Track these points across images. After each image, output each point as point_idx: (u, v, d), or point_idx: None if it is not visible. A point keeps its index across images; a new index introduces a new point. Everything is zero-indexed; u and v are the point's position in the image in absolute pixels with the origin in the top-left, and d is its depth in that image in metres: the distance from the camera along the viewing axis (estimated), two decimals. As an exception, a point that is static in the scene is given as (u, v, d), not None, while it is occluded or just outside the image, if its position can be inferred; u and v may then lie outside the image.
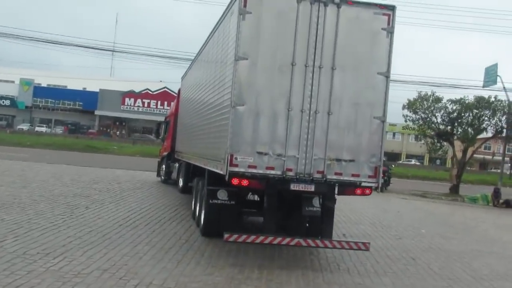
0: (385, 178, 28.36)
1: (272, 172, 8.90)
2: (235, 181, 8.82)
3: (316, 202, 9.78)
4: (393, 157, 79.87)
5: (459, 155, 32.13)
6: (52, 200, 14.03)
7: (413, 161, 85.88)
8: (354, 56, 9.12)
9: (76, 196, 15.14)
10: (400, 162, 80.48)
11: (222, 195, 10.37)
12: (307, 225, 10.72)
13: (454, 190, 31.26)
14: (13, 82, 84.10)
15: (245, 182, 8.86)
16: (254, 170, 8.83)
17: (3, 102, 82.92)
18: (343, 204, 17.34)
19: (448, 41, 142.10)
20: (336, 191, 9.38)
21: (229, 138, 8.75)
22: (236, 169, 8.77)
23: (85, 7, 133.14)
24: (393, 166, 34.00)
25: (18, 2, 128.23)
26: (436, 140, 32.96)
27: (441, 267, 10.28)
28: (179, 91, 19.81)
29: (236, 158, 8.76)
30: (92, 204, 13.95)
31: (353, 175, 9.16)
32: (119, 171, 25.28)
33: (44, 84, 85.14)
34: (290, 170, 8.90)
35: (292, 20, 8.84)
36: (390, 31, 9.14)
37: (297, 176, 8.93)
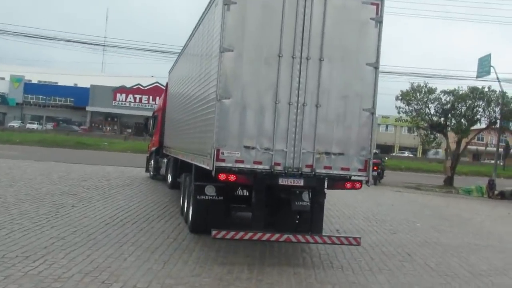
0: (379, 171, 28.13)
1: (260, 166, 8.67)
2: (222, 177, 8.59)
3: (306, 196, 9.49)
4: (386, 149, 79.75)
5: (452, 146, 31.93)
6: (38, 199, 13.66)
7: (406, 153, 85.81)
8: (342, 46, 8.89)
9: (63, 195, 14.77)
10: (393, 154, 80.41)
11: (210, 190, 10.08)
12: (297, 220, 10.42)
13: (448, 182, 31.06)
14: (3, 79, 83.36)
15: (232, 177, 8.62)
16: (241, 165, 8.60)
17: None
18: (336, 199, 17.13)
19: (440, 31, 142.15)
20: (325, 185, 9.16)
21: (215, 132, 8.50)
22: (223, 164, 8.53)
23: (75, 3, 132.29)
24: (386, 158, 33.73)
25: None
26: (429, 132, 32.75)
27: (438, 262, 9.99)
28: (166, 85, 19.59)
29: (222, 153, 8.52)
30: (79, 202, 13.58)
31: (342, 169, 8.96)
32: (109, 168, 24.89)
33: (34, 81, 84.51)
34: (278, 164, 8.68)
35: (278, 10, 8.58)
36: (378, 21, 8.92)
37: (286, 171, 8.71)
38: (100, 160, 29.45)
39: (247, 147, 8.60)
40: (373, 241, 11.43)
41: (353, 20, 8.91)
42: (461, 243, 12.40)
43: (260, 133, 8.65)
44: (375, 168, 27.37)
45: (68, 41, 51.28)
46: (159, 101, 22.16)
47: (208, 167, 8.83)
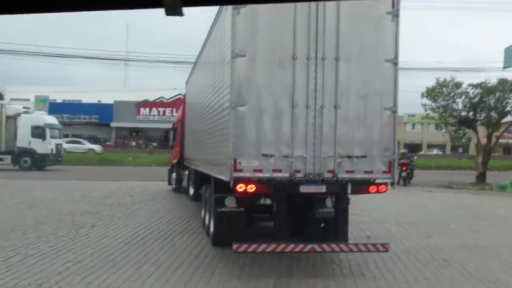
0: (408, 171, 27.29)
1: (280, 174, 8.34)
2: (240, 187, 8.25)
3: (329, 203, 9.08)
4: (414, 148, 78.36)
5: (483, 141, 30.95)
6: (58, 220, 13.35)
7: (435, 151, 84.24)
8: (359, 44, 8.53)
9: (84, 214, 14.44)
10: (422, 153, 78.96)
11: (230, 202, 9.64)
12: (322, 228, 9.93)
13: (481, 178, 30.03)
14: (28, 100, 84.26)
15: (251, 188, 8.27)
16: (260, 174, 8.27)
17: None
18: (365, 202, 16.48)
19: (462, 23, 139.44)
20: (349, 190, 8.74)
21: (231, 142, 8.17)
22: (241, 174, 8.20)
23: (95, 23, 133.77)
24: (415, 158, 32.75)
25: (26, 20, 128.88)
26: (458, 128, 31.79)
27: (477, 267, 9.31)
28: (184, 96, 19.31)
29: (240, 163, 8.19)
30: (100, 221, 13.22)
31: (366, 172, 8.60)
32: (133, 183, 24.58)
33: (59, 100, 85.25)
34: (299, 171, 8.34)
35: (290, 11, 8.21)
36: (395, 15, 8.48)
37: (307, 177, 8.37)
38: (124, 176, 29.18)
39: (265, 155, 8.28)
40: (407, 247, 10.79)
41: (369, 16, 8.55)
42: (501, 244, 11.64)
43: (278, 140, 8.32)
44: (404, 168, 26.65)
45: (89, 58, 51.55)
46: (178, 113, 21.89)
47: (226, 178, 8.49)
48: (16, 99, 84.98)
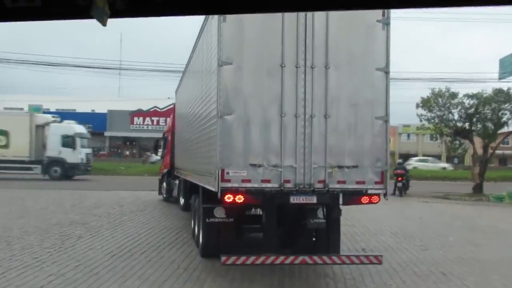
0: (404, 181, 26.96)
1: (269, 185, 8.09)
2: (228, 198, 7.98)
3: (321, 213, 8.87)
4: (409, 158, 78.21)
5: (479, 152, 30.70)
6: (45, 230, 12.97)
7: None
8: (349, 52, 8.34)
9: (73, 224, 14.06)
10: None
11: (219, 212, 9.34)
12: (314, 240, 9.62)
13: (478, 189, 29.72)
14: (22, 109, 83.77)
15: (239, 199, 8.00)
16: (248, 185, 8.00)
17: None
18: (360, 213, 16.19)
19: (456, 34, 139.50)
20: (340, 201, 8.50)
21: (219, 152, 7.92)
22: (228, 184, 7.94)
23: (88, 32, 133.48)
24: (410, 167, 32.43)
25: (19, 29, 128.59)
26: (454, 138, 31.52)
27: (476, 282, 8.99)
28: (174, 105, 19.04)
29: (228, 173, 7.94)
30: (87, 232, 12.83)
31: (357, 183, 8.36)
32: (124, 193, 24.17)
33: (52, 109, 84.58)
34: (288, 181, 8.10)
35: (278, 18, 7.99)
36: (386, 23, 8.29)
37: (297, 188, 8.12)
38: (116, 185, 28.77)
39: (253, 165, 8.04)
40: (403, 260, 10.44)
41: (359, 24, 8.36)
42: (501, 257, 11.29)
43: (267, 149, 8.09)
44: (399, 178, 26.34)
45: (84, 67, 51.26)
46: (168, 122, 21.65)
47: (213, 189, 8.22)
48: (10, 108, 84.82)
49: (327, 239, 8.96)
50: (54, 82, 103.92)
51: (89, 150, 36.69)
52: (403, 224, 16.14)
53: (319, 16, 8.09)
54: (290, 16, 7.97)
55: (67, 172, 34.11)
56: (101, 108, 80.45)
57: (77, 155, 34.18)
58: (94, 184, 30.27)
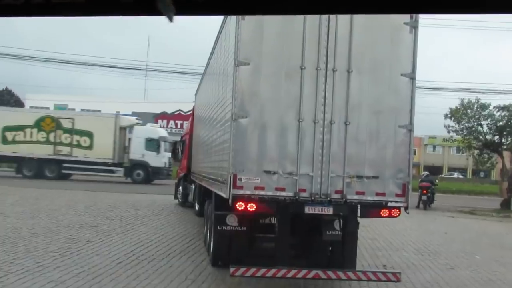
0: (429, 194, 26.09)
1: (283, 193, 7.65)
2: (240, 206, 7.56)
3: (338, 225, 8.33)
4: (434, 171, 76.83)
5: (509, 166, 29.69)
6: (54, 232, 12.58)
7: (455, 174, 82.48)
8: (373, 56, 7.87)
9: (83, 227, 13.65)
10: (442, 175, 77.33)
11: (231, 220, 8.79)
12: (330, 252, 9.08)
13: (506, 205, 28.70)
14: (48, 108, 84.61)
15: (251, 207, 7.56)
16: (261, 192, 7.57)
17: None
18: (382, 226, 15.55)
19: (487, 44, 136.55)
20: (358, 213, 8.11)
21: (231, 156, 7.48)
22: (240, 191, 7.50)
23: (117, 35, 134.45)
24: (437, 181, 31.42)
25: (48, 28, 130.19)
26: (483, 152, 30.55)
27: (507, 308, 8.28)
28: (193, 108, 18.59)
29: (240, 179, 7.51)
30: (96, 236, 12.40)
31: (377, 194, 7.88)
32: (141, 196, 23.82)
33: (78, 109, 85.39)
34: (304, 190, 7.65)
35: (299, 17, 7.52)
36: (413, 26, 7.78)
37: (312, 198, 7.66)
38: (134, 188, 28.47)
39: (267, 172, 7.60)
40: (427, 280, 9.77)
41: (384, 26, 7.85)
42: (532, 280, 10.54)
43: (283, 156, 7.64)
44: (424, 191, 25.51)
45: (110, 67, 51.39)
46: (187, 125, 21.28)
47: (224, 195, 7.79)
48: (36, 107, 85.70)
49: (343, 253, 8.52)
50: (79, 82, 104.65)
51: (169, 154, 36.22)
52: (427, 239, 15.40)
53: (342, 16, 7.62)
54: (311, 16, 7.50)
55: (150, 176, 33.61)
56: (126, 110, 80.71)
57: (161, 159, 33.70)
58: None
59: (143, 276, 8.74)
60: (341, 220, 8.29)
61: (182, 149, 21.06)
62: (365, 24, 7.81)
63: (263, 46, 7.67)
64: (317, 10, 2.10)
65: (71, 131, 32.68)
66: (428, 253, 12.87)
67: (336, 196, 7.80)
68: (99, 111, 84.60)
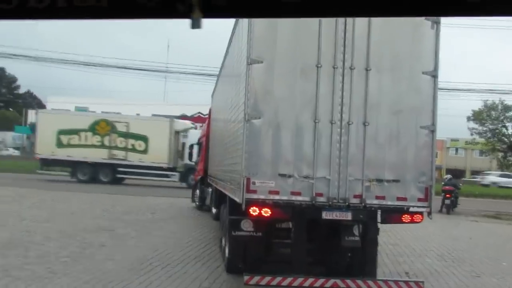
0: (452, 198, 25.46)
1: (299, 198, 7.37)
2: (253, 211, 7.30)
3: (357, 230, 8.06)
4: (456, 174, 75.64)
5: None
6: (68, 236, 12.38)
7: (478, 178, 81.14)
8: (393, 53, 7.58)
9: (99, 231, 13.45)
10: (465, 179, 76.12)
11: (246, 225, 8.48)
12: (349, 259, 8.73)
13: (532, 209, 28.04)
14: (69, 110, 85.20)
15: (265, 212, 7.29)
16: (276, 197, 7.29)
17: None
18: (404, 231, 15.13)
19: (510, 44, 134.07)
20: (378, 219, 7.76)
21: (245, 159, 7.22)
22: (254, 196, 7.24)
23: (136, 37, 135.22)
24: (461, 184, 30.68)
25: (68, 30, 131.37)
26: (507, 154, 29.85)
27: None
28: (210, 110, 18.33)
29: (254, 183, 7.24)
30: (111, 240, 12.18)
31: (398, 199, 7.58)
32: (159, 199, 23.61)
33: (98, 111, 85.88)
34: (321, 195, 7.37)
35: None
36: (435, 21, 7.47)
37: (330, 202, 7.38)
38: (152, 191, 28.29)
39: (282, 175, 7.33)
40: (451, 288, 9.34)
41: (405, 22, 7.49)
42: None
43: (298, 158, 7.35)
44: (448, 195, 24.90)
45: (130, 68, 51.57)
46: (203, 127, 21.03)
47: (238, 200, 7.53)
48: (58, 110, 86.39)
49: (363, 261, 8.18)
50: (99, 84, 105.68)
51: None
52: (451, 245, 14.91)
53: None
54: None
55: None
56: (145, 112, 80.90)
57: None
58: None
59: (155, 283, 8.47)
60: (361, 226, 7.98)
61: (199, 151, 20.80)
62: (385, 19, 7.42)
63: (277, 43, 7.41)
64: (337, 14, 2.07)
65: (126, 135, 32.41)
66: (452, 260, 12.41)
67: (355, 201, 7.50)
68: (119, 113, 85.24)
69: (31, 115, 74.51)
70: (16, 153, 67.12)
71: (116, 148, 32.36)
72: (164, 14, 1.76)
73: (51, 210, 17.67)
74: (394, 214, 7.82)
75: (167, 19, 1.77)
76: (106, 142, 32.40)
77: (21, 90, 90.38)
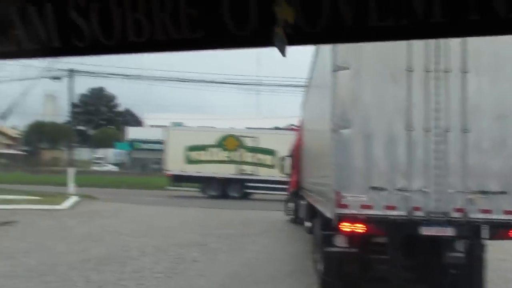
0: None
1: (394, 212, 6.95)
2: (345, 227, 6.94)
3: (460, 245, 7.34)
4: None
5: None
6: (163, 251, 12.50)
7: None
8: (493, 52, 6.94)
9: (192, 246, 13.48)
10: None
11: (339, 241, 8.03)
12: (454, 277, 8.08)
13: None
14: (166, 126, 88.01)
15: (358, 228, 6.91)
16: (369, 211, 6.92)
17: (160, 146, 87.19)
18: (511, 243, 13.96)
19: None
20: (483, 235, 7.12)
21: (334, 172, 6.90)
22: (345, 210, 6.89)
23: (227, 53, 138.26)
24: None
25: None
26: None
27: None
28: (300, 121, 18.05)
29: (344, 197, 6.88)
30: (204, 255, 12.14)
31: (506, 212, 6.99)
32: (254, 212, 23.59)
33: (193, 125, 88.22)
34: (418, 209, 6.91)
35: None
36: None
37: (428, 217, 6.89)
38: (248, 205, 28.33)
39: (375, 188, 6.93)
40: None
41: None
42: None
43: (391, 170, 6.94)
44: None
45: (223, 83, 52.72)
46: (295, 139, 20.76)
47: (328, 215, 7.24)
48: (156, 126, 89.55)
49: (468, 280, 7.54)
50: (192, 99, 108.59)
51: None
52: None
53: None
54: None
55: None
56: (239, 126, 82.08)
57: None
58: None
59: (246, 301, 8.27)
60: (464, 241, 7.37)
61: (292, 164, 20.54)
62: None
63: (363, 48, 6.98)
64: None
65: (254, 150, 32.75)
66: None
67: (457, 215, 6.95)
68: (213, 127, 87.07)
69: (132, 132, 77.82)
70: (115, 169, 69.70)
71: (245, 163, 32.58)
72: (257, 44, 1.81)
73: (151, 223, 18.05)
74: (501, 229, 7.19)
75: (260, 48, 1.83)
76: (235, 157, 32.71)
77: (120, 108, 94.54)
